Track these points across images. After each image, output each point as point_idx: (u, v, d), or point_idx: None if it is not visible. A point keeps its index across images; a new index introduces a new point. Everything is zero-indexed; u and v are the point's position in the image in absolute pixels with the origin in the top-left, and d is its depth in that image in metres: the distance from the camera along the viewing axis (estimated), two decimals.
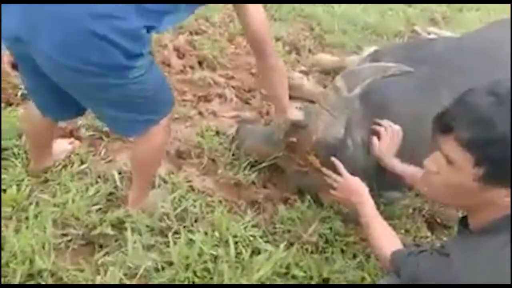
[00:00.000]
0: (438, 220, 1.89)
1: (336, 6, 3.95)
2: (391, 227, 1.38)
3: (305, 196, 1.84)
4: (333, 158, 1.65)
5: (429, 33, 3.65)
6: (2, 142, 1.79)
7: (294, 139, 1.76)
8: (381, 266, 1.47)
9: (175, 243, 1.53)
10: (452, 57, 1.94)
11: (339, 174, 1.63)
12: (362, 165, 1.72)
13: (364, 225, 1.41)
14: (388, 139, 1.63)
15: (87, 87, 1.28)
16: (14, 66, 1.38)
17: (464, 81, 1.84)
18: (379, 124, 1.69)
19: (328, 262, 1.57)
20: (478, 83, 1.78)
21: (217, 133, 2.21)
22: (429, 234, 1.83)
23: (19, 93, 2.10)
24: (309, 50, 3.24)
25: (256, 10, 1.48)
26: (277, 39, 3.20)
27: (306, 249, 1.64)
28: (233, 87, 2.65)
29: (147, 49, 1.27)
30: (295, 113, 1.75)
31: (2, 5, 1.20)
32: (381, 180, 1.75)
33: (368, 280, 1.51)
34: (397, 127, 1.65)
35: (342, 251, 1.66)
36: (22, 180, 1.69)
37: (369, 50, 1.77)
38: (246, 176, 1.92)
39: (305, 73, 2.92)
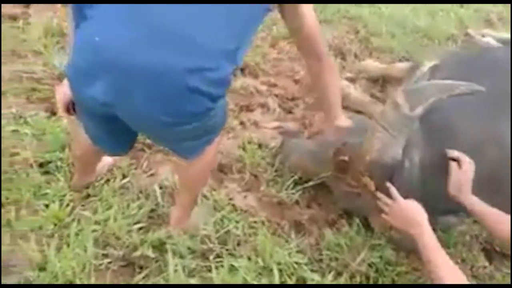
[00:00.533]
0: (497, 248, 1.74)
1: (383, 7, 3.77)
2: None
3: (353, 219, 1.73)
4: (388, 181, 1.53)
5: (483, 36, 3.41)
6: (46, 154, 1.79)
7: (345, 158, 1.66)
8: None
9: (217, 268, 1.47)
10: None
11: (392, 198, 1.52)
12: (419, 188, 1.60)
13: (424, 258, 1.29)
14: (462, 175, 1.49)
15: (169, 133, 1.24)
16: (69, 109, 1.32)
17: None
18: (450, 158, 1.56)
19: None
20: None
21: (260, 146, 2.13)
22: (487, 264, 1.68)
23: None
24: (355, 55, 3.09)
25: (308, 10, 1.41)
26: None
27: (354, 279, 1.53)
28: (275, 95, 2.57)
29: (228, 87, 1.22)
30: (347, 121, 1.65)
31: (81, 77, 1.14)
32: (437, 204, 1.62)
33: None
34: (468, 160, 1.51)
35: (393, 281, 1.54)
36: (64, 195, 1.67)
37: (429, 64, 1.63)
38: (290, 195, 1.83)
39: (352, 80, 2.79)
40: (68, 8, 1.21)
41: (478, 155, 1.63)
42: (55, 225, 1.56)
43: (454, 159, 1.54)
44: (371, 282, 1.54)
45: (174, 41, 1.08)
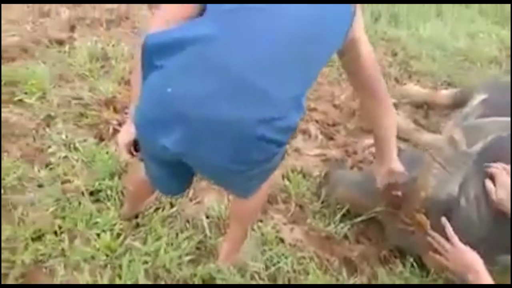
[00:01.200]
0: None
1: (421, 29, 3.73)
2: None
3: (406, 258, 1.68)
4: (443, 219, 1.49)
5: None
6: (96, 182, 1.81)
7: (398, 193, 1.62)
8: None
9: None
10: None
11: (447, 238, 1.47)
12: (477, 226, 1.54)
13: None
14: (506, 180, 1.43)
15: (234, 178, 1.25)
16: (131, 150, 1.32)
17: None
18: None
19: None
20: None
21: (304, 175, 2.11)
22: None
23: (111, 129, 2.14)
24: (396, 79, 3.05)
25: (364, 40, 1.33)
26: None
27: None
28: (316, 121, 2.55)
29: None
30: (399, 166, 1.59)
31: (152, 127, 1.15)
32: (495, 242, 1.56)
33: None
34: (501, 168, 1.46)
35: None
36: (115, 224, 1.68)
37: (479, 97, 1.59)
38: (338, 229, 1.79)
39: (394, 105, 2.74)
40: (136, 55, 1.21)
41: None
42: (107, 255, 1.57)
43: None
44: None
45: (246, 93, 1.07)
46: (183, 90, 1.08)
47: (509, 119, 1.44)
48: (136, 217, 1.74)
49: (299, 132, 2.41)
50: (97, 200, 1.77)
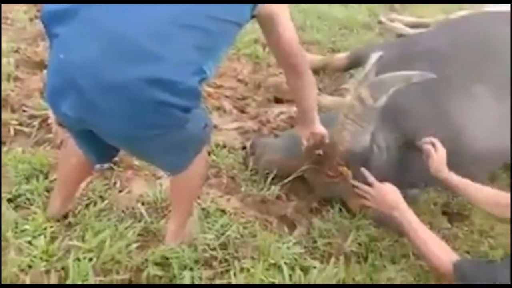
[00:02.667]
0: (454, 210, 2.01)
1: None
2: None
3: (334, 205, 1.87)
4: (362, 169, 1.69)
5: (392, 21, 3.78)
6: (12, 188, 1.66)
7: (320, 152, 1.78)
8: (435, 273, 1.54)
9: (227, 272, 1.51)
10: (453, 53, 2.04)
11: (369, 184, 1.68)
12: (389, 168, 1.79)
13: (411, 233, 1.47)
14: (437, 156, 1.69)
15: (148, 146, 1.26)
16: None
17: (471, 76, 1.97)
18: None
19: (378, 270, 1.62)
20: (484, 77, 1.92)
21: (225, 146, 2.18)
22: (449, 225, 1.93)
23: (11, 130, 1.94)
24: None
25: (287, 21, 1.40)
26: (255, 41, 3.18)
27: (350, 259, 1.67)
28: (226, 96, 2.62)
29: (201, 97, 1.24)
30: (320, 128, 1.75)
31: (53, 95, 1.17)
32: (405, 180, 1.83)
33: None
34: (439, 144, 1.72)
35: (381, 255, 1.72)
36: (45, 228, 1.56)
37: (376, 56, 1.81)
38: (270, 191, 1.91)
39: None
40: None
41: (431, 131, 1.87)
42: (47, 261, 1.46)
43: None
44: (363, 259, 1.69)
45: (135, 54, 1.09)
46: (73, 55, 1.10)
47: (406, 72, 1.68)
48: (66, 217, 1.65)
49: (213, 108, 2.46)
50: (18, 206, 1.63)
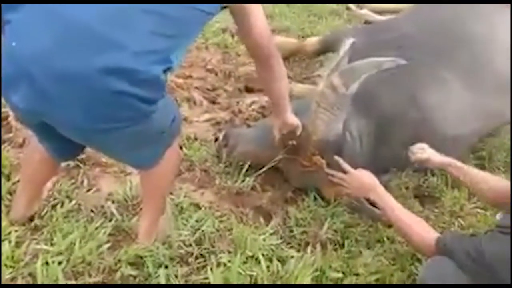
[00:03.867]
0: (425, 193, 2.04)
1: None
2: None
3: (308, 194, 1.87)
4: (336, 157, 1.69)
5: (361, 8, 3.79)
6: None
7: (293, 142, 1.77)
8: (416, 250, 1.56)
9: (204, 267, 1.48)
10: (422, 39, 2.06)
11: (343, 171, 1.68)
12: (362, 155, 1.80)
13: (389, 214, 1.49)
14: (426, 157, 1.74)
15: (109, 141, 1.20)
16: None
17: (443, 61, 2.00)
18: None
19: (354, 256, 1.63)
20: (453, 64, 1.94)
21: (196, 139, 2.14)
22: (421, 208, 1.96)
23: None
24: None
25: (258, 13, 1.37)
26: (224, 30, 3.13)
27: (326, 246, 1.67)
28: (196, 87, 2.56)
29: (165, 88, 1.18)
30: (293, 118, 1.72)
31: (4, 85, 1.09)
32: (378, 165, 1.84)
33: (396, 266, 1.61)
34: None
35: (357, 240, 1.73)
36: (9, 233, 1.49)
37: (348, 43, 1.80)
38: (245, 183, 1.88)
39: None
40: None
41: (402, 117, 1.89)
42: (13, 267, 1.39)
43: None
44: (339, 246, 1.70)
45: (87, 40, 1.03)
46: (26, 43, 1.03)
47: (377, 58, 1.67)
48: (31, 219, 1.57)
49: (183, 100, 2.40)
50: None
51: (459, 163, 1.64)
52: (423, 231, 1.40)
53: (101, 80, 1.03)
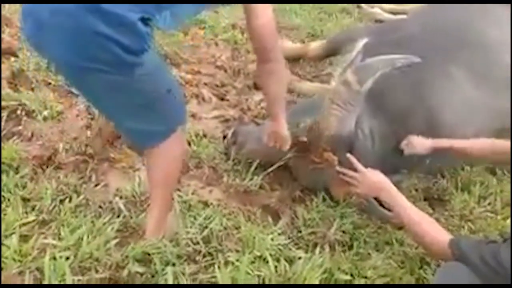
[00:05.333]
0: (435, 195, 2.02)
1: None
2: None
3: (317, 193, 1.85)
4: (348, 155, 1.67)
5: (372, 7, 3.76)
6: None
7: (304, 139, 1.75)
8: (426, 251, 1.54)
9: (211, 266, 1.47)
10: (431, 39, 2.03)
11: (355, 170, 1.66)
12: (374, 154, 1.78)
13: (403, 214, 1.47)
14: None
15: (97, 86, 1.26)
16: None
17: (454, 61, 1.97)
18: None
19: (362, 258, 1.61)
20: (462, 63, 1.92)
21: (205, 136, 2.12)
22: (431, 211, 1.94)
23: None
24: None
25: (264, 10, 1.37)
26: (234, 27, 3.11)
27: (334, 248, 1.66)
28: (205, 83, 2.54)
29: (149, 44, 1.21)
30: (284, 130, 1.68)
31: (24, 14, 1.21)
32: (389, 165, 1.82)
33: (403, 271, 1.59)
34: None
35: (365, 242, 1.71)
36: (14, 228, 1.48)
37: (362, 42, 1.78)
38: (253, 181, 1.87)
39: None
40: None
41: (412, 116, 1.87)
42: (20, 261, 1.39)
43: None
44: (347, 247, 1.68)
45: None
46: None
47: (391, 56, 1.65)
48: (41, 212, 1.57)
49: (192, 96, 2.39)
50: None
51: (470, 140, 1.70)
52: (435, 232, 1.38)
53: (85, 18, 1.12)
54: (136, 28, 1.16)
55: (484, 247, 1.23)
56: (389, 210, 1.80)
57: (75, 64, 1.20)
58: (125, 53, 1.16)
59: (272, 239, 1.60)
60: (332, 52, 2.67)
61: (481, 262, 1.20)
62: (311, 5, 3.70)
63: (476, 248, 1.24)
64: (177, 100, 1.41)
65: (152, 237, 1.52)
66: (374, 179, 1.58)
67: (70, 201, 1.63)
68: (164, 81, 1.35)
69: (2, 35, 2.37)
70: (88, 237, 1.49)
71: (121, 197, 1.72)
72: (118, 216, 1.62)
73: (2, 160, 1.69)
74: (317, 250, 1.59)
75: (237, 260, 1.49)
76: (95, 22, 1.12)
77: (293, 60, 2.85)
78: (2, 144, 1.76)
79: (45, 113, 1.97)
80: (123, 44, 1.15)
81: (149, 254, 1.48)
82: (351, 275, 1.54)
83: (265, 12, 1.39)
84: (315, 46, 2.82)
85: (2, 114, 1.90)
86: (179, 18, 1.28)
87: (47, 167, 1.76)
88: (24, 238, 1.47)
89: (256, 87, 2.62)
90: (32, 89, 2.09)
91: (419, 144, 1.78)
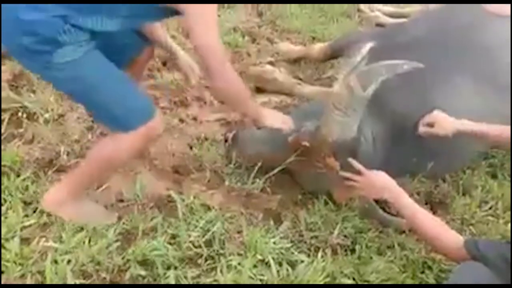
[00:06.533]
0: (437, 199, 2.02)
1: None
2: None
3: (319, 197, 1.85)
4: (350, 159, 1.67)
5: (372, 11, 3.76)
6: None
7: (306, 143, 1.74)
8: (435, 250, 1.56)
9: (213, 269, 1.46)
10: (435, 44, 2.03)
11: (358, 173, 1.66)
12: (376, 159, 1.77)
13: (410, 215, 1.49)
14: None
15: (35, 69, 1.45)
16: None
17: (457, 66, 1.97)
18: None
19: (365, 262, 1.61)
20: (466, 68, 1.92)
21: (206, 139, 2.12)
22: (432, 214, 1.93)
23: None
24: (267, 39, 3.18)
25: (204, 31, 1.38)
26: (235, 30, 3.11)
27: (336, 252, 1.65)
28: (206, 87, 2.54)
29: (67, 39, 1.29)
30: (272, 121, 1.72)
31: None
32: (389, 169, 1.82)
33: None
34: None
35: (367, 246, 1.71)
36: (16, 231, 1.48)
37: (367, 46, 1.78)
38: (255, 185, 1.86)
39: (272, 63, 2.87)
40: None
41: (415, 121, 1.86)
42: (21, 264, 1.38)
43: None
44: (350, 251, 1.68)
45: None
46: None
47: (394, 61, 1.65)
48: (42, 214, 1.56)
49: (193, 99, 2.39)
50: None
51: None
52: (444, 232, 1.40)
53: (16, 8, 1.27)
54: (51, 22, 1.26)
55: (503, 247, 1.24)
56: (392, 214, 1.82)
57: (9, 48, 1.38)
58: (33, 43, 1.27)
59: (274, 243, 1.60)
60: (336, 54, 2.66)
61: (503, 261, 1.21)
62: (311, 8, 3.71)
63: (495, 248, 1.26)
64: (129, 97, 1.43)
65: (47, 205, 1.54)
66: (376, 179, 1.58)
67: None
68: (95, 72, 1.38)
69: None
70: (89, 240, 1.49)
71: (122, 200, 1.71)
72: (120, 219, 1.62)
73: (4, 163, 1.69)
74: (319, 254, 1.58)
75: (239, 264, 1.49)
76: (20, 11, 1.26)
77: (294, 62, 2.85)
78: (3, 147, 1.76)
79: (47, 115, 1.97)
80: (36, 34, 1.27)
81: (149, 258, 1.48)
82: (353, 279, 1.53)
83: (206, 33, 1.39)
84: (319, 47, 2.82)
85: (4, 117, 1.90)
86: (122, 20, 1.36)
87: (49, 169, 1.76)
88: (25, 241, 1.46)
89: (258, 90, 2.62)
90: (34, 92, 2.09)
91: (441, 125, 1.76)
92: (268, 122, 1.72)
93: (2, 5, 1.28)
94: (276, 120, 1.75)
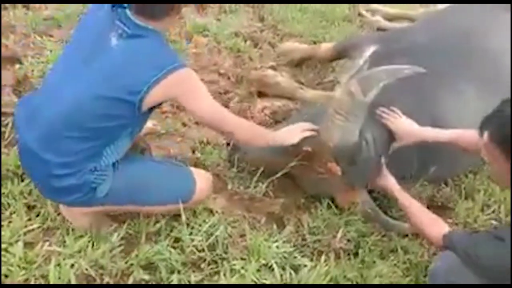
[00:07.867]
0: (439, 203, 2.02)
1: None
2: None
3: (322, 201, 1.85)
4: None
5: (373, 15, 3.78)
6: None
7: (308, 149, 1.75)
8: (429, 241, 1.61)
9: (216, 273, 1.46)
10: (437, 48, 2.04)
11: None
12: (375, 162, 1.78)
13: (407, 205, 1.60)
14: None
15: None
16: None
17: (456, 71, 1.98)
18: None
19: (368, 266, 1.61)
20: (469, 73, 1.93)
21: (209, 143, 2.13)
22: None
23: None
24: (269, 43, 3.19)
25: (198, 105, 1.46)
26: (236, 35, 3.12)
27: (339, 256, 1.65)
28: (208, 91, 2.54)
29: (100, 181, 1.41)
30: (293, 138, 1.72)
31: None
32: (390, 173, 1.82)
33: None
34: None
35: (370, 250, 1.71)
36: (19, 235, 1.48)
37: (370, 50, 1.79)
38: (257, 189, 1.87)
39: (273, 68, 2.88)
40: None
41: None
42: (25, 269, 1.38)
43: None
44: (353, 255, 1.68)
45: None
46: None
47: (396, 66, 1.66)
48: (46, 219, 1.57)
49: None
50: None
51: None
52: (432, 222, 1.49)
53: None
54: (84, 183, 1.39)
55: (468, 240, 1.33)
56: (394, 218, 1.82)
57: None
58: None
59: (277, 247, 1.60)
60: (342, 54, 2.67)
61: (465, 255, 1.30)
62: (313, 13, 3.72)
63: (461, 241, 1.34)
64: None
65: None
66: (379, 181, 1.69)
67: None
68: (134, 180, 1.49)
69: (7, 42, 2.38)
70: (93, 244, 1.49)
71: None
72: (124, 223, 1.62)
73: (7, 167, 1.69)
74: (322, 258, 1.59)
75: (243, 268, 1.49)
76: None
77: (297, 65, 2.86)
78: (7, 151, 1.77)
79: None
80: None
81: (153, 262, 1.48)
82: (356, 283, 1.53)
83: (201, 105, 1.47)
84: (326, 47, 2.82)
85: (7, 121, 1.90)
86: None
87: None
88: (29, 245, 1.47)
89: (260, 94, 2.62)
90: None
91: (404, 134, 1.78)
92: (291, 142, 1.71)
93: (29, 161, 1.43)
94: (296, 134, 1.73)
